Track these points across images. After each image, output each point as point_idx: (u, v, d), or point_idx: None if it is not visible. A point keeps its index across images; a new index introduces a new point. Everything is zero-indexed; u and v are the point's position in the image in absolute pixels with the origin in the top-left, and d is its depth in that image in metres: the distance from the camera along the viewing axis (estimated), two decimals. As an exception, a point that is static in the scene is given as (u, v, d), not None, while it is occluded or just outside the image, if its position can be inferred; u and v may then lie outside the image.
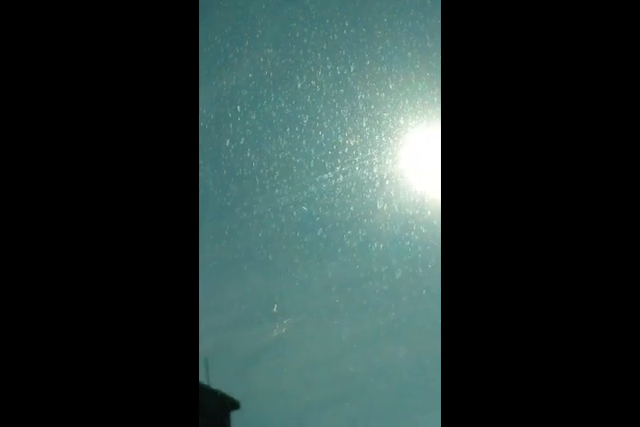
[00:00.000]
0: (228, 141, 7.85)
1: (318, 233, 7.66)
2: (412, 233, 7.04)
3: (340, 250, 7.52)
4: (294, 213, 7.82)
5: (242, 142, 7.78)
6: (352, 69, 6.49)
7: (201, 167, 8.41)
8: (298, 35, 6.95)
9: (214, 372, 11.77)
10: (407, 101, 6.36)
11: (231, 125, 7.75)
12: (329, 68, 6.58)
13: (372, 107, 6.51)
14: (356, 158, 6.75)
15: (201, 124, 8.21)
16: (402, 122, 6.45)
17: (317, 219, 7.50)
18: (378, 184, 6.82)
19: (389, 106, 6.46)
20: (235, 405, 12.37)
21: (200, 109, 8.48)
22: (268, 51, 7.09)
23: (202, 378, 11.75)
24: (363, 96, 6.51)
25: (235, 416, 12.44)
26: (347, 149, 6.76)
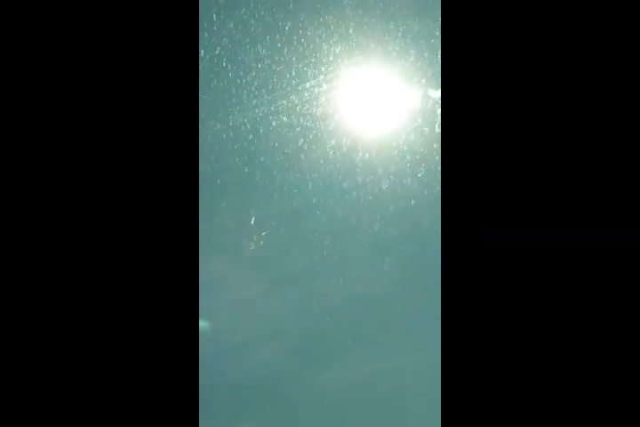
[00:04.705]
0: (202, 52, 7.58)
1: (299, 143, 7.51)
2: (401, 142, 6.95)
3: (322, 160, 7.39)
4: (273, 124, 7.65)
5: (217, 52, 7.52)
6: (338, -27, 6.27)
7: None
8: (279, -63, 6.68)
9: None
10: (398, 5, 6.19)
11: (206, 35, 7.47)
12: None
13: (360, 12, 6.31)
14: (342, 66, 6.59)
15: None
16: (392, 27, 6.28)
17: (298, 129, 7.34)
18: (365, 92, 6.69)
19: (378, 11, 6.28)
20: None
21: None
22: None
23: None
24: (349, 1, 6.31)
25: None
26: (331, 57, 6.60)
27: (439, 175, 7.19)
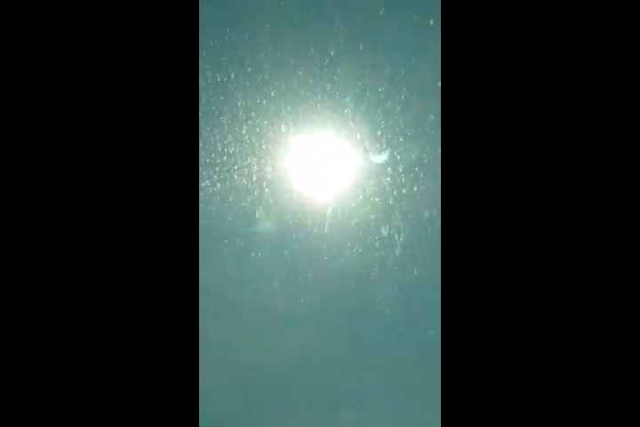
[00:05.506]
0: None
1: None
2: (292, 242, 6.99)
3: (216, 260, 7.38)
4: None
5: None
6: (232, 76, 6.41)
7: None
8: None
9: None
10: (289, 108, 6.32)
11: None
12: (208, 75, 6.49)
13: (253, 114, 6.45)
14: (235, 166, 6.66)
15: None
16: (283, 129, 6.41)
17: (194, 228, 7.32)
18: (257, 192, 6.76)
19: (270, 113, 6.41)
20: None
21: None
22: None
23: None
24: (243, 103, 6.44)
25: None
26: (225, 158, 6.67)
27: (362, 261, 7.18)
